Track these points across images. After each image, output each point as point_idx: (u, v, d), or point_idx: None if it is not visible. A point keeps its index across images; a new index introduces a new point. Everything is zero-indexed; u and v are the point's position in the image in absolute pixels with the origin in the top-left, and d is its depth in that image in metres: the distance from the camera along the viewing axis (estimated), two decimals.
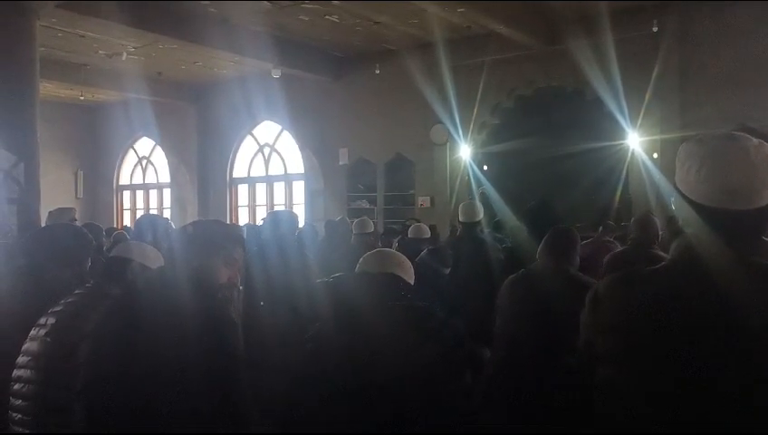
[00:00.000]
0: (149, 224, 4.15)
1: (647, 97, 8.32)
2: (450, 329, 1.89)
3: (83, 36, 9.41)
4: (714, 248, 1.26)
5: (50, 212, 6.86)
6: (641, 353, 1.29)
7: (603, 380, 1.37)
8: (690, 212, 1.30)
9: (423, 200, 10.66)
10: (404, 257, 2.20)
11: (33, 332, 2.26)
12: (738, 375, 1.20)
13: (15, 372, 2.24)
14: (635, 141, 8.74)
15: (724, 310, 1.22)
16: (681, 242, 1.33)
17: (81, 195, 15.00)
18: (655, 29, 8.23)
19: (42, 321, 2.25)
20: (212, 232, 2.00)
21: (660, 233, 4.15)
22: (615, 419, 1.33)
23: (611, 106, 8.52)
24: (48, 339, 2.19)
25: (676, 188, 1.33)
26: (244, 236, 2.43)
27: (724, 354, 1.21)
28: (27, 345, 2.26)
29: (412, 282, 2.12)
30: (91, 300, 2.22)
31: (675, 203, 1.35)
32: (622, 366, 1.33)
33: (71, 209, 7.83)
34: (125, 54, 10.11)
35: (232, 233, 2.03)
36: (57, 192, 13.10)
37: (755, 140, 1.27)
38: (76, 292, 2.35)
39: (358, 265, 2.11)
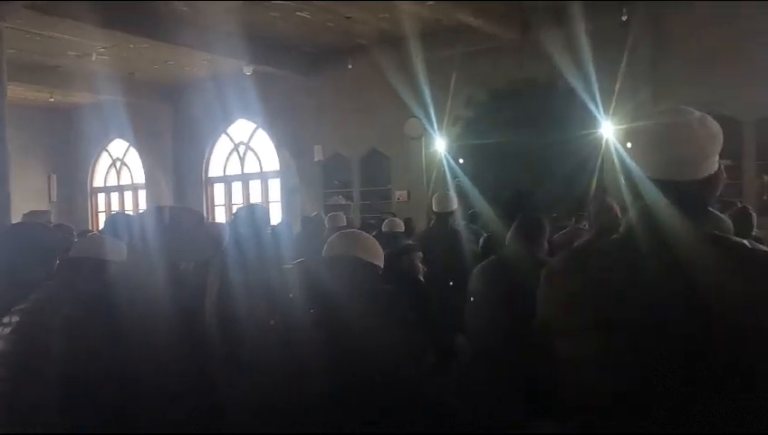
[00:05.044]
0: (119, 222, 4.13)
1: (617, 86, 8.41)
2: (414, 312, 1.92)
3: (51, 37, 9.29)
4: (663, 218, 1.30)
5: (24, 215, 6.78)
6: (598, 325, 1.32)
7: (562, 354, 1.39)
8: (639, 186, 1.34)
9: (400, 194, 10.70)
10: (372, 241, 2.21)
11: None
12: (697, 340, 1.23)
13: None
14: (608, 131, 8.82)
15: (677, 277, 1.25)
16: (630, 215, 1.37)
17: (54, 199, 14.81)
18: (624, 18, 8.31)
19: (5, 319, 2.24)
20: (183, 223, 2.03)
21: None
22: (575, 391, 1.36)
23: (584, 96, 8.59)
24: (13, 337, 2.18)
25: (625, 166, 1.38)
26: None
27: (681, 321, 1.24)
28: None
29: (380, 263, 2.13)
30: (55, 296, 2.22)
31: (623, 179, 1.39)
32: (580, 339, 1.35)
33: (46, 212, 7.73)
34: (95, 55, 10.00)
35: (197, 217, 2.05)
36: (30, 197, 12.93)
37: (698, 114, 1.32)
38: (39, 289, 2.34)
39: (324, 250, 2.12)
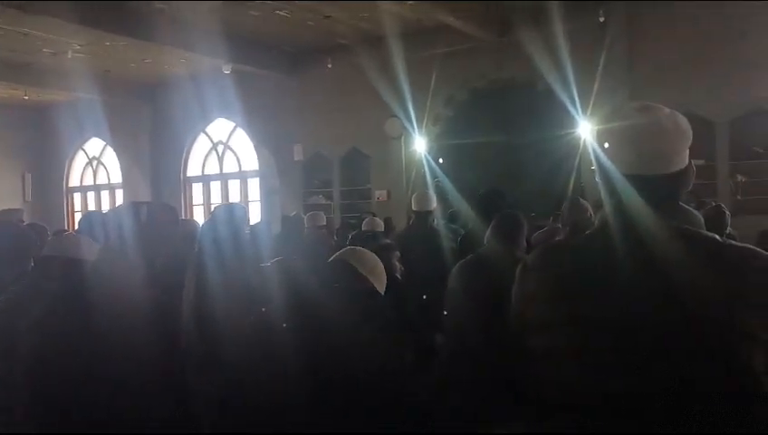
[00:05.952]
0: (94, 220, 4.08)
1: (595, 87, 8.48)
2: (392, 311, 1.92)
3: (26, 35, 9.15)
4: (636, 213, 1.32)
5: None
6: (574, 320, 1.33)
7: (539, 350, 1.40)
8: (613, 182, 1.36)
9: (380, 194, 10.70)
10: (374, 259, 2.22)
11: None
12: (672, 335, 1.24)
13: None
14: (586, 131, 8.90)
15: (650, 271, 1.27)
16: (603, 212, 1.39)
17: (29, 198, 14.59)
18: (601, 19, 8.39)
19: None
20: (160, 219, 2.02)
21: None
22: (556, 389, 1.36)
23: (562, 96, 8.65)
24: None
25: (599, 163, 1.39)
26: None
27: (657, 316, 1.25)
28: None
29: (373, 279, 2.12)
30: (27, 295, 2.19)
31: (598, 177, 1.41)
32: (556, 335, 1.35)
33: (18, 211, 7.62)
34: (70, 53, 9.86)
35: (174, 214, 2.03)
36: (4, 196, 12.76)
37: (667, 110, 1.35)
38: (10, 289, 2.31)
39: None
